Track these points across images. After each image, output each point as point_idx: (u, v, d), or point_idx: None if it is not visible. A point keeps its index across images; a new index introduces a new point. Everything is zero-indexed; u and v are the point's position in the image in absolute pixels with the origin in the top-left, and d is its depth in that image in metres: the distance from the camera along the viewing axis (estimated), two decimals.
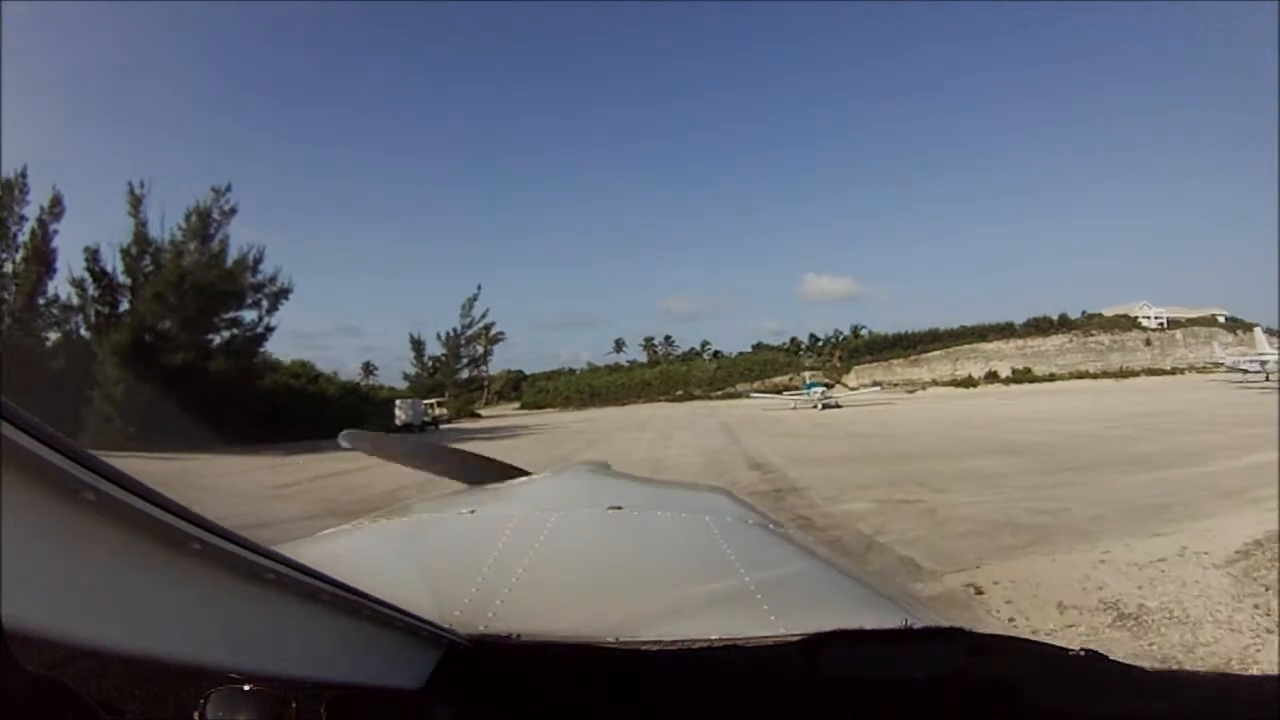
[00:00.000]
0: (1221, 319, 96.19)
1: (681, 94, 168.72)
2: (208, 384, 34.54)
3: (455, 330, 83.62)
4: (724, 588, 1.50)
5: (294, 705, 1.00)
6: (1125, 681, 1.11)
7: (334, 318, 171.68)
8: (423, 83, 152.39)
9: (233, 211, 39.78)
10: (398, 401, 55.13)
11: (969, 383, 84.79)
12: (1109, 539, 8.93)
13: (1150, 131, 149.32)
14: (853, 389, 75.26)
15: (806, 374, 75.17)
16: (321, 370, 56.19)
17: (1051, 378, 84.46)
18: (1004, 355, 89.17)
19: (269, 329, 41.99)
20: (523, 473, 3.20)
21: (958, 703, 1.10)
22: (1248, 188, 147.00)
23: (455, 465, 3.40)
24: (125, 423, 30.95)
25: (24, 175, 36.79)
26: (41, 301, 36.54)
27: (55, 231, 37.16)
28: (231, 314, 39.97)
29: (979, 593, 7.04)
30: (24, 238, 36.51)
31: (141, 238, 38.04)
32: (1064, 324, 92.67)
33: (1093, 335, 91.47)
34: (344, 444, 3.58)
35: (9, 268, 36.05)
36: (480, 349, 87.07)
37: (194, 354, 36.19)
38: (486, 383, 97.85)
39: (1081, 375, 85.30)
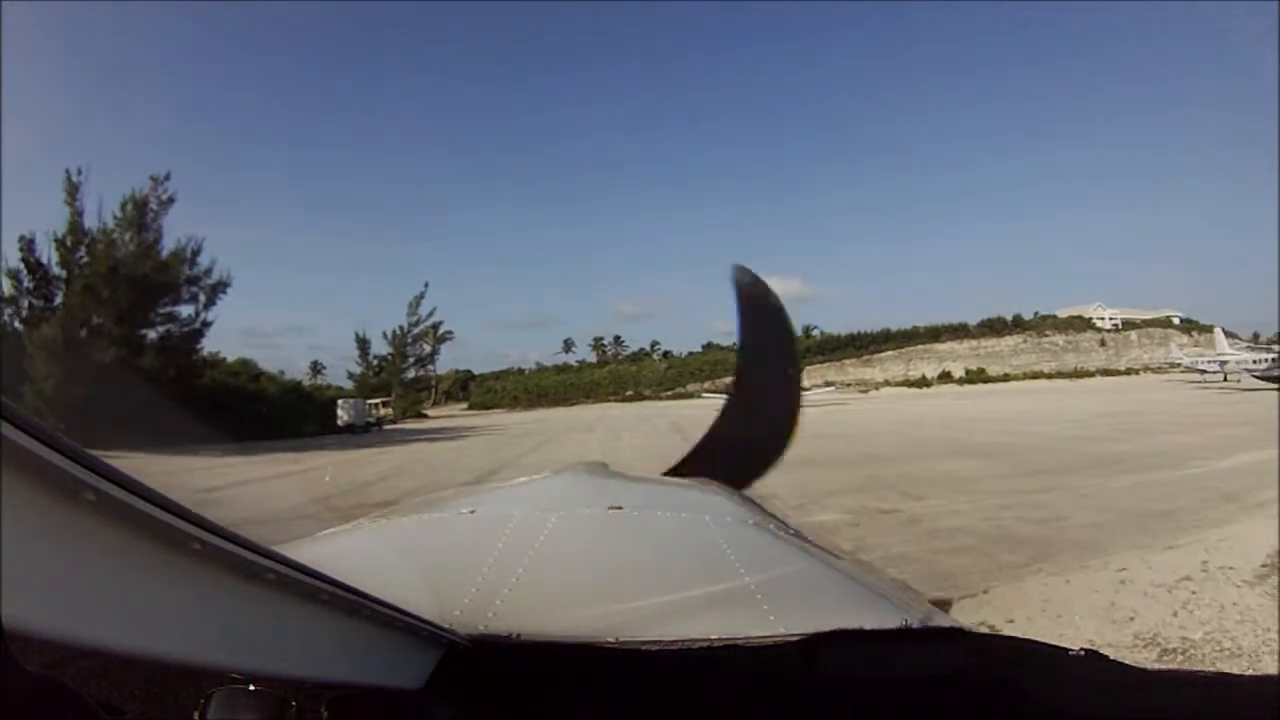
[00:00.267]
0: (1176, 320, 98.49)
1: (629, 95, 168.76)
2: (141, 380, 33.50)
3: (402, 329, 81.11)
4: (724, 588, 1.50)
5: (294, 705, 1.00)
6: (1125, 681, 1.12)
7: (284, 317, 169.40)
8: (374, 81, 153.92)
9: (170, 201, 38.74)
10: (340, 401, 53.85)
11: (923, 383, 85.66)
12: (1119, 553, 8.29)
13: (1107, 133, 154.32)
14: (805, 389, 74.67)
15: None
16: (265, 369, 55.16)
17: (1006, 378, 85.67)
18: (957, 355, 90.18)
19: (206, 324, 40.95)
20: None
21: (958, 703, 1.10)
22: (1205, 191, 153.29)
23: None
24: (56, 419, 28.85)
25: None
26: None
27: None
28: (167, 308, 38.91)
29: None
30: None
31: (77, 227, 36.63)
32: (1018, 325, 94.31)
33: (1047, 336, 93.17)
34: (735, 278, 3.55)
35: None
36: (427, 348, 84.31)
37: (127, 349, 35.16)
38: (434, 383, 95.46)
39: (1036, 375, 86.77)
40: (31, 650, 0.87)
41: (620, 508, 2.12)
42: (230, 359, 50.80)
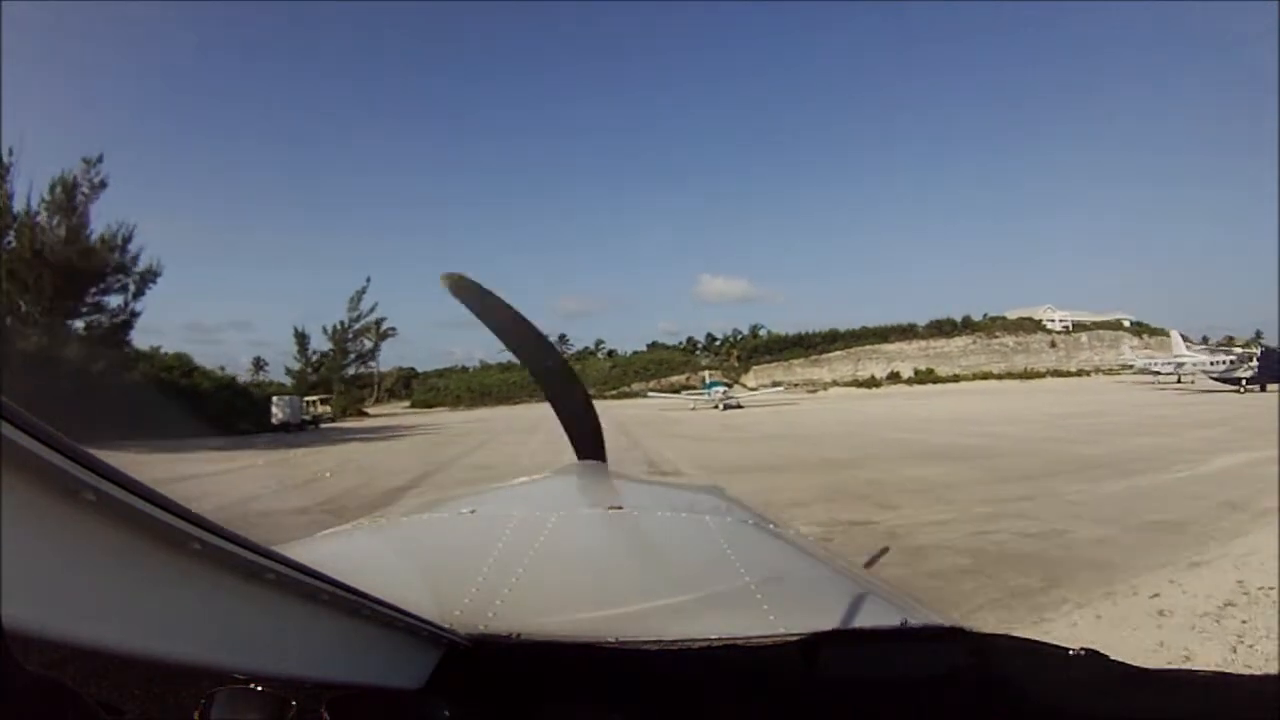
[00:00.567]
0: (1127, 323, 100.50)
1: (575, 95, 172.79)
2: (67, 372, 32.26)
3: (342, 324, 78.31)
4: (724, 588, 1.51)
5: (294, 705, 1.02)
6: (1125, 681, 1.11)
7: (229, 312, 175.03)
8: (321, 77, 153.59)
9: (103, 185, 37.72)
10: (275, 398, 52.34)
11: (872, 383, 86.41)
12: (1140, 573, 7.53)
13: (1055, 137, 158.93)
14: (752, 389, 75.12)
15: (705, 373, 74.87)
16: (203, 365, 53.81)
17: (956, 378, 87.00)
18: (906, 356, 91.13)
19: (134, 314, 40.07)
20: (598, 440, 3.45)
21: (958, 703, 1.11)
22: (1153, 196, 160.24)
23: (549, 371, 3.57)
24: None
25: None
26: None
27: None
28: (95, 298, 37.99)
29: None
30: None
31: (4, 211, 35.35)
32: (968, 326, 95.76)
33: (997, 337, 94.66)
34: (444, 285, 3.45)
35: None
36: (369, 344, 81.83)
37: (50, 339, 34.18)
38: (377, 380, 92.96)
39: (985, 376, 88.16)
40: (31, 650, 0.88)
41: (620, 508, 2.16)
42: (171, 353, 50.14)
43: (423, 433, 40.37)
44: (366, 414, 71.09)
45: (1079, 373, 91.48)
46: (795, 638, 1.18)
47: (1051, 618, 6.38)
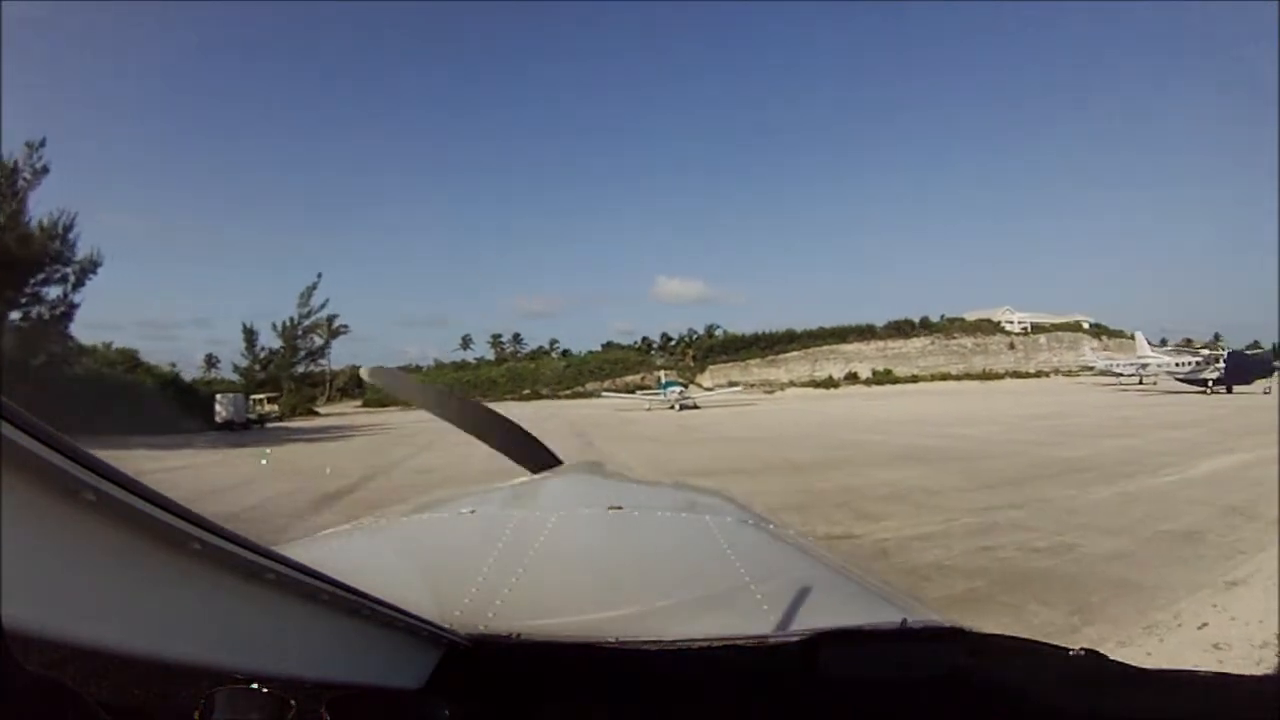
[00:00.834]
0: (1086, 325, 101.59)
1: (531, 95, 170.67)
2: (5, 365, 31.77)
3: (292, 320, 75.55)
4: (724, 588, 1.54)
5: (294, 705, 1.01)
6: (1125, 681, 1.12)
7: (187, 309, 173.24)
8: (275, 73, 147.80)
9: (45, 170, 37.11)
10: (218, 396, 50.91)
11: (829, 383, 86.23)
12: (1175, 596, 6.81)
13: (1017, 138, 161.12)
14: (708, 389, 73.79)
15: (661, 373, 73.92)
16: (149, 361, 54.34)
17: (914, 379, 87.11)
18: (864, 356, 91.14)
19: (73, 306, 38.92)
20: (545, 451, 3.47)
21: (957, 703, 1.11)
22: (1111, 199, 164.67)
23: (474, 419, 3.59)
24: None
25: None
26: None
27: None
28: (34, 288, 37.01)
29: None
30: None
31: None
32: (925, 327, 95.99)
33: (955, 338, 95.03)
34: (365, 377, 3.76)
35: None
36: (319, 341, 79.60)
37: None
38: (329, 378, 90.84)
39: (944, 377, 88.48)
40: (31, 650, 0.87)
41: (620, 508, 2.14)
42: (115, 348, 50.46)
43: (370, 433, 39.64)
44: (317, 413, 69.27)
45: (1038, 374, 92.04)
46: (795, 638, 1.17)
47: None
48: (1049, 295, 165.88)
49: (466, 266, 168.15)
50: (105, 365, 46.21)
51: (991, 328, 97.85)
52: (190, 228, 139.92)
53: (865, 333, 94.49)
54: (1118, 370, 66.66)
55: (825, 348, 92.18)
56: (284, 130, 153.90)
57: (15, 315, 36.30)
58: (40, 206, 36.89)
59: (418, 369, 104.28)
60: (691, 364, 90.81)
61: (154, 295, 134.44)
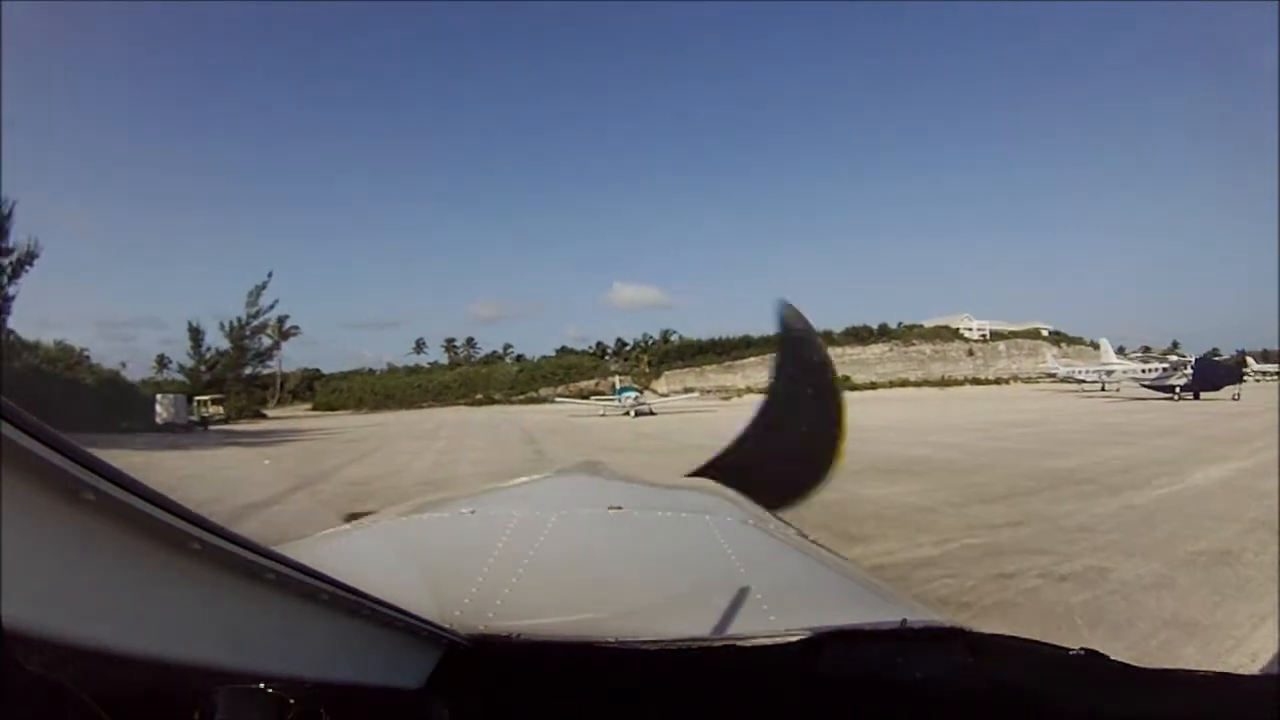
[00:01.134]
0: (1045, 332, 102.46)
1: (487, 97, 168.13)
2: None
3: (240, 320, 73.59)
4: (724, 588, 1.53)
5: (294, 705, 1.01)
6: (1125, 681, 1.13)
7: (141, 308, 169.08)
8: (229, 71, 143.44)
9: None
10: (158, 397, 50.16)
11: None
12: (1241, 635, 5.99)
13: (976, 148, 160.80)
14: (663, 395, 72.74)
15: (616, 378, 72.86)
16: (90, 359, 53.19)
17: (873, 386, 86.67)
18: None
19: (9, 299, 39.20)
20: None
21: (957, 703, 1.12)
22: (1068, 207, 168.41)
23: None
24: None
25: None
26: None
27: None
28: None
29: None
30: None
31: None
32: (884, 333, 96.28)
33: (914, 345, 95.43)
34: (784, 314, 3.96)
35: None
36: (268, 342, 78.62)
37: None
38: (278, 380, 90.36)
39: (903, 384, 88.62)
40: (31, 650, 0.83)
41: (620, 508, 2.19)
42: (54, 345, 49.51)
43: (314, 437, 38.04)
44: (264, 416, 68.12)
45: (998, 381, 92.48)
46: (795, 638, 1.19)
47: None
48: (1007, 303, 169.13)
49: (421, 270, 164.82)
50: (45, 361, 45.70)
51: (950, 334, 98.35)
52: (143, 227, 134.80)
53: (823, 339, 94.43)
54: (1079, 377, 67.20)
55: None
56: (238, 130, 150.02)
57: None
58: None
59: (371, 371, 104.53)
60: (647, 370, 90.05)
61: (108, 294, 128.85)
